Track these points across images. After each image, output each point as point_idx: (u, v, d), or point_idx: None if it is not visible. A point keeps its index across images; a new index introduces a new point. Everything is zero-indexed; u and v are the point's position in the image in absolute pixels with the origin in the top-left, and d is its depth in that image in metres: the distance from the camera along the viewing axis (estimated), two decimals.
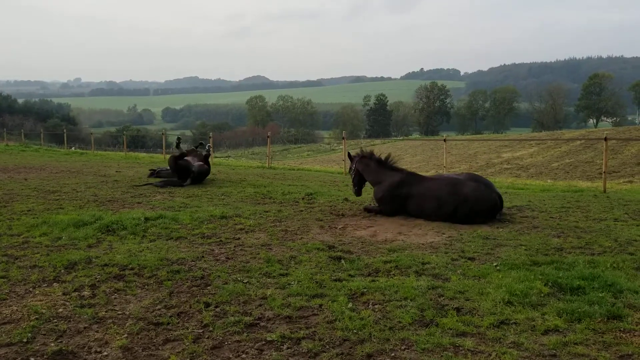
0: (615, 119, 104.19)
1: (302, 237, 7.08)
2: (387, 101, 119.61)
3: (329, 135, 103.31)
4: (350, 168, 9.78)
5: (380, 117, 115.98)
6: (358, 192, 9.72)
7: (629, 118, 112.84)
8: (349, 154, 10.03)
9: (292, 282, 5.07)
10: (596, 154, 32.95)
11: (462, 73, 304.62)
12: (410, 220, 8.22)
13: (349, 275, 5.35)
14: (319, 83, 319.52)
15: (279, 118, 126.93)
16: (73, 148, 35.99)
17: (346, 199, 10.34)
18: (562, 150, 38.05)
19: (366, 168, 9.35)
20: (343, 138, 19.69)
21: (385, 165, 9.22)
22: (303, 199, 10.48)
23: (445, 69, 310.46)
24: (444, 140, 17.38)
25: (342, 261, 5.86)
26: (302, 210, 9.15)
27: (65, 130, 38.74)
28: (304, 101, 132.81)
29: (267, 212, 8.91)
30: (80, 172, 16.28)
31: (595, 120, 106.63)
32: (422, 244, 6.70)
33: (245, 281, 5.12)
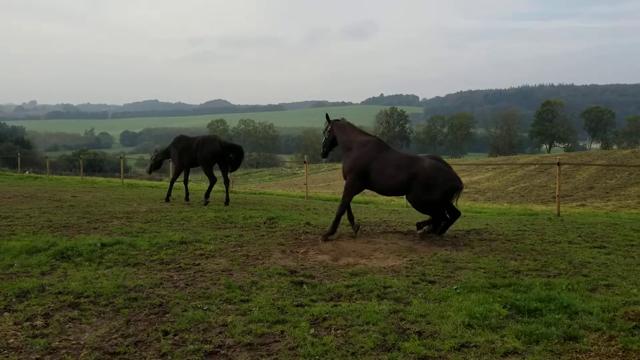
0: (567, 144, 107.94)
1: (263, 262, 7.02)
2: None
3: (291, 159, 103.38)
4: (326, 129, 10.16)
5: None
6: (325, 155, 10.41)
7: (580, 144, 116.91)
8: (327, 115, 10.32)
9: (254, 308, 5.00)
10: (550, 178, 34.01)
11: (420, 99, 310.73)
12: (372, 244, 8.27)
13: (311, 300, 5.32)
14: (280, 107, 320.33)
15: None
16: (27, 172, 34.85)
17: (308, 223, 10.34)
18: (518, 175, 39.12)
19: (341, 130, 9.71)
20: (305, 162, 19.74)
21: (359, 130, 9.80)
22: (265, 223, 10.42)
23: (405, 94, 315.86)
24: None
25: (304, 286, 5.82)
26: (263, 235, 9.08)
27: (19, 154, 37.57)
28: (265, 125, 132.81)
29: (227, 237, 8.81)
30: (34, 196, 15.78)
31: (548, 146, 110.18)
32: (384, 268, 6.73)
33: (205, 308, 5.03)
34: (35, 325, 4.51)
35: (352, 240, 8.61)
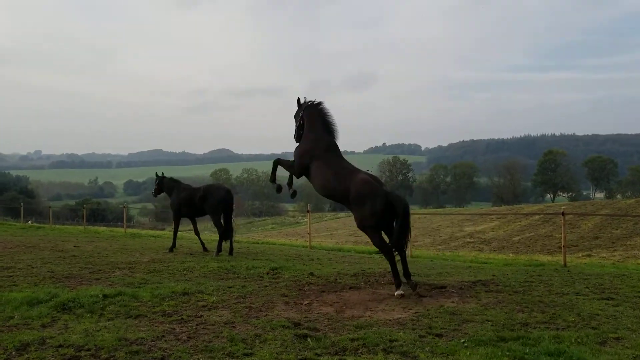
0: (571, 193, 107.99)
1: (267, 314, 6.92)
2: None
3: (294, 208, 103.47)
4: (298, 114, 10.10)
5: None
6: (298, 139, 10.11)
7: (584, 193, 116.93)
8: (298, 99, 10.21)
9: None
10: (555, 228, 33.82)
11: (423, 148, 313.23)
12: (377, 295, 8.16)
13: (316, 354, 5.22)
14: (283, 156, 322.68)
15: (243, 191, 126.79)
16: (30, 222, 34.89)
17: (312, 274, 10.24)
18: (522, 224, 38.93)
19: (310, 122, 9.72)
20: (308, 211, 19.73)
21: (325, 125, 9.62)
22: (268, 273, 10.33)
23: (407, 144, 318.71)
24: None
25: (308, 339, 5.72)
26: (266, 286, 8.99)
27: (22, 204, 37.69)
28: (268, 174, 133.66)
29: (230, 287, 8.72)
30: (36, 246, 15.74)
31: (552, 195, 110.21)
32: (389, 320, 6.63)
33: None
34: None
35: (356, 292, 8.50)
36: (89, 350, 5.22)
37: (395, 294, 8.10)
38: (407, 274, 8.56)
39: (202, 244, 15.17)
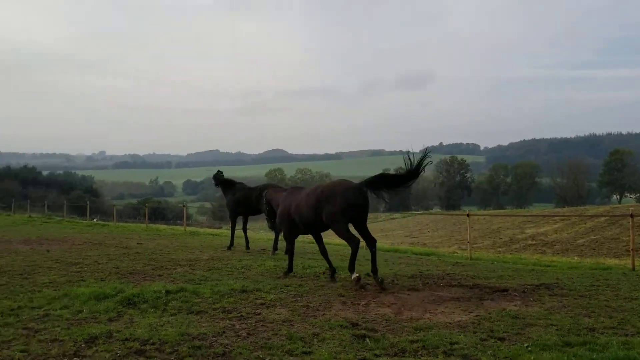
0: (638, 195, 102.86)
1: (324, 314, 6.94)
2: None
3: None
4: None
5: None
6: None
7: None
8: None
9: None
10: (622, 230, 32.28)
11: (481, 147, 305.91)
12: (436, 298, 8.04)
13: (375, 354, 5.19)
14: (337, 156, 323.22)
15: None
16: (95, 220, 36.35)
17: (368, 274, 10.18)
18: (587, 227, 37.39)
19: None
20: None
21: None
22: (324, 273, 10.36)
23: (465, 143, 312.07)
24: (467, 215, 17.22)
25: (367, 340, 5.69)
26: (323, 285, 9.01)
27: (88, 202, 39.35)
28: (322, 174, 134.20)
29: (287, 286, 8.79)
30: (102, 243, 16.39)
31: (618, 196, 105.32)
32: (449, 323, 6.50)
33: (267, 359, 4.99)
34: None
35: (414, 294, 8.40)
36: (153, 344, 5.38)
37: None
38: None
39: (247, 242, 15.35)
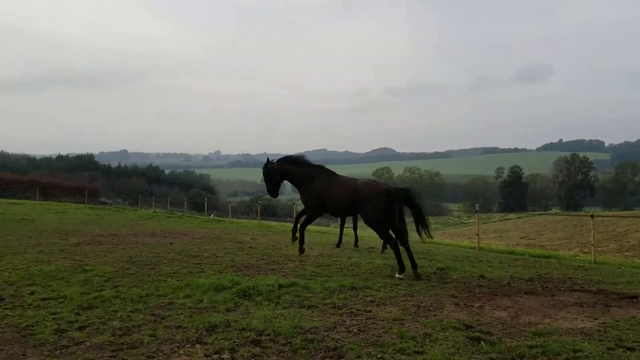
0: None
1: (436, 314, 6.78)
2: (522, 173, 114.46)
3: (458, 208, 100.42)
4: None
5: (515, 190, 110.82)
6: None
7: None
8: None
9: None
10: None
11: (606, 144, 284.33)
12: (557, 303, 7.57)
13: (490, 358, 4.99)
14: (447, 155, 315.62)
15: None
16: (212, 215, 38.37)
17: (482, 276, 9.83)
18: None
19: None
20: (476, 211, 18.93)
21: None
22: (435, 273, 10.14)
23: (587, 140, 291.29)
24: (591, 216, 16.04)
25: (482, 343, 5.48)
26: (434, 286, 8.82)
27: (205, 199, 41.64)
28: (431, 173, 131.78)
29: (397, 285, 8.71)
30: (219, 238, 17.23)
31: None
32: (572, 329, 6.09)
33: (379, 356, 4.97)
34: (223, 359, 4.83)
35: (532, 297, 7.97)
36: (268, 335, 5.57)
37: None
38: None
39: (356, 240, 15.39)
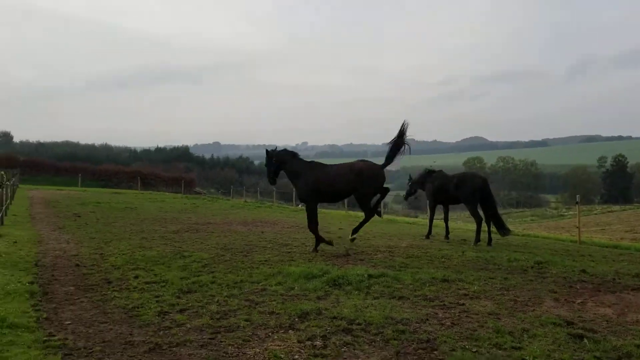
0: None
1: (534, 309, 6.49)
2: (627, 162, 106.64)
3: (556, 199, 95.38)
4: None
5: (619, 181, 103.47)
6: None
7: None
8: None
9: (527, 358, 4.66)
10: None
11: None
12: None
13: (594, 356, 4.72)
14: (543, 143, 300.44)
15: (498, 180, 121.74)
16: (300, 205, 38.99)
17: (583, 271, 9.28)
18: None
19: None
20: (576, 203, 17.85)
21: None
22: (532, 267, 9.68)
23: None
24: None
25: (585, 340, 5.18)
26: (531, 280, 8.44)
27: (293, 190, 42.26)
28: (526, 162, 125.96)
29: (492, 278, 8.42)
30: (307, 228, 17.46)
31: None
32: None
33: (474, 350, 4.84)
34: (316, 346, 4.89)
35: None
36: (359, 324, 5.58)
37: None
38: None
39: (447, 232, 14.97)
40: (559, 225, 43.46)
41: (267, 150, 12.42)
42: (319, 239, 11.59)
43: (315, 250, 11.42)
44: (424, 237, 14.82)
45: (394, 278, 8.04)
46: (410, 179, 16.14)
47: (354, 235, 11.75)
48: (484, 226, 13.64)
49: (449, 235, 14.85)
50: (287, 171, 12.20)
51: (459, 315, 6.10)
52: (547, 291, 7.58)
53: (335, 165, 12.12)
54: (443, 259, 10.54)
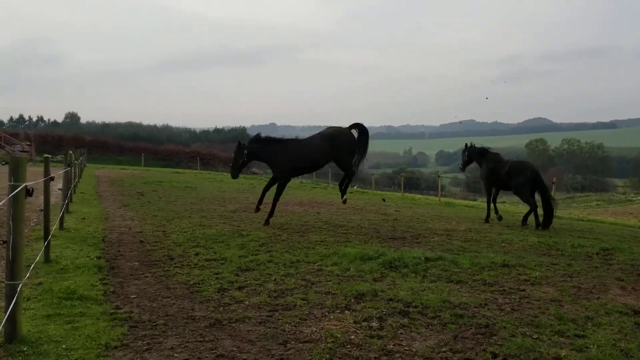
0: None
1: (599, 297, 6.25)
2: None
3: (624, 183, 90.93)
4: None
5: None
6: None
7: None
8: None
9: (591, 346, 4.49)
10: None
11: None
12: None
13: None
14: (612, 125, 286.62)
15: (562, 163, 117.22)
16: (355, 187, 38.97)
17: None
18: None
19: None
20: None
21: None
22: (597, 254, 9.32)
23: None
24: None
25: None
26: (596, 267, 8.13)
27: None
28: (593, 145, 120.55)
29: (554, 264, 8.16)
30: (363, 209, 17.48)
31: None
32: None
33: (534, 336, 4.72)
34: (372, 327, 4.90)
35: None
36: (416, 307, 5.54)
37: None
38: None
39: (488, 214, 14.65)
40: (626, 211, 41.52)
41: (239, 143, 12.73)
42: (272, 214, 12.24)
43: (267, 222, 11.95)
44: (483, 221, 14.51)
45: (452, 262, 7.93)
46: (466, 148, 15.69)
47: (345, 197, 13.46)
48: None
49: (489, 219, 14.49)
50: (262, 157, 12.71)
51: (519, 301, 5.95)
52: (613, 279, 7.29)
53: (306, 139, 13.01)
54: (503, 244, 10.30)
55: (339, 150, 12.42)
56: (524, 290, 6.49)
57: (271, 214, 12.22)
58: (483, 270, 7.52)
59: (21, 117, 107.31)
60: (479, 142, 16.06)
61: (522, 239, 10.90)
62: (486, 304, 5.76)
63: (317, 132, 13.28)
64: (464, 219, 15.13)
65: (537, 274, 7.40)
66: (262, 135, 12.88)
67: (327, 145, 12.32)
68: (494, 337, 4.69)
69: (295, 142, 12.74)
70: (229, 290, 6.16)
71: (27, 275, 5.32)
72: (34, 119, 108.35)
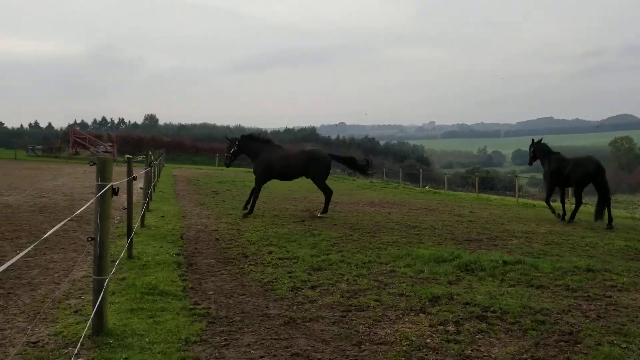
0: None
1: None
2: None
3: None
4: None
5: None
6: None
7: None
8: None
9: None
10: None
11: None
12: None
13: None
14: None
15: None
16: (427, 187, 38.33)
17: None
18: None
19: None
20: None
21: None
22: None
23: None
24: None
25: None
26: None
27: (420, 170, 41.71)
28: None
29: None
30: (436, 210, 17.15)
31: None
32: None
33: (623, 346, 4.45)
34: (448, 331, 4.78)
35: None
36: (494, 312, 5.35)
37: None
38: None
39: (553, 211, 14.87)
40: None
41: (228, 138, 15.07)
42: (251, 211, 13.44)
43: (245, 216, 13.07)
44: (564, 222, 13.92)
45: (532, 266, 7.61)
46: (533, 143, 15.66)
47: (323, 214, 13.63)
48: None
49: (564, 217, 14.49)
50: (247, 152, 14.42)
51: (605, 308, 5.63)
52: None
53: (290, 150, 14.74)
54: (587, 247, 9.79)
55: (313, 169, 13.83)
56: (610, 296, 6.13)
57: (247, 204, 14.18)
58: (566, 275, 7.17)
59: (104, 119, 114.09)
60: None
61: (608, 242, 10.31)
62: (569, 310, 5.48)
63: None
64: (543, 221, 14.50)
65: (624, 279, 6.97)
66: (255, 134, 15.06)
67: (302, 165, 13.79)
68: (579, 346, 4.46)
69: (278, 149, 14.41)
70: (302, 289, 6.21)
71: (113, 270, 5.59)
72: (116, 121, 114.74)
